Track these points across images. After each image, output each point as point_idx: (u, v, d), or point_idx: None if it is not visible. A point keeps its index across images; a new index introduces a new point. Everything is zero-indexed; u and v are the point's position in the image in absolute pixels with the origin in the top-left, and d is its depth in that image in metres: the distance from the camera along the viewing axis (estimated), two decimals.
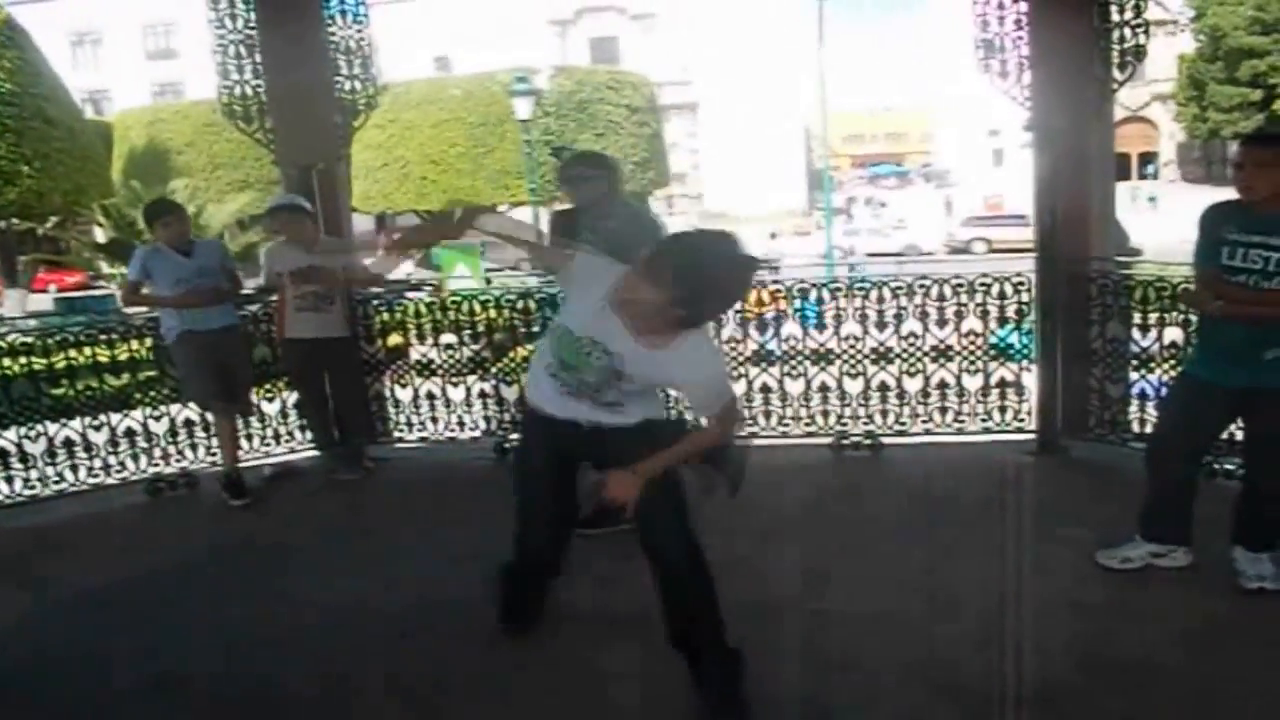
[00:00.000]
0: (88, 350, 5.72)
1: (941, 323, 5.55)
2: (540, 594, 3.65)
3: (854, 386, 5.72)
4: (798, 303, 5.79)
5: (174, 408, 5.82)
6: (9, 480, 5.58)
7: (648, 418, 3.05)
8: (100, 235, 25.48)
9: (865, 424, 5.71)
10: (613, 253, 3.15)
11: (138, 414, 5.81)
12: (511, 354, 6.21)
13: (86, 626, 4.04)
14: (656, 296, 2.63)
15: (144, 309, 5.60)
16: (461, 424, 6.16)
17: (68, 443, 5.63)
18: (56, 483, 5.61)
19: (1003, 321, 5.61)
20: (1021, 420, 5.61)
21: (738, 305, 2.86)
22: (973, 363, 5.61)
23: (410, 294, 6.42)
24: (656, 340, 2.77)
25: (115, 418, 5.74)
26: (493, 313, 6.11)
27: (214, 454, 5.77)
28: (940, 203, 41.77)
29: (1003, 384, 5.64)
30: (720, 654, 3.09)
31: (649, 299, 2.66)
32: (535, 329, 6.07)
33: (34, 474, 5.58)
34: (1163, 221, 25.93)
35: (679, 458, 2.97)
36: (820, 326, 5.78)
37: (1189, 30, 44.48)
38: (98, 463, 5.70)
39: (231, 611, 4.08)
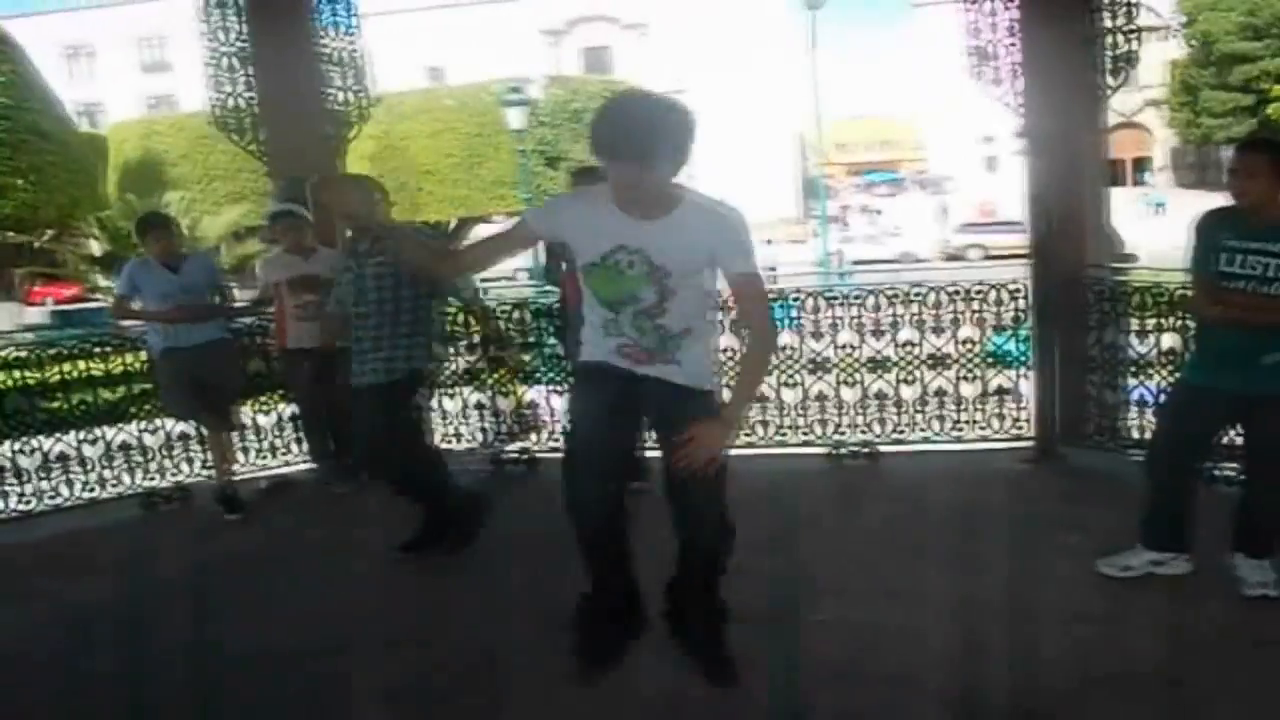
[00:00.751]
0: (82, 364, 5.69)
1: (938, 330, 5.54)
2: (622, 600, 3.38)
3: (850, 395, 5.71)
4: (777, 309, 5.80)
5: (168, 421, 5.79)
6: (3, 495, 5.55)
7: (703, 384, 3.06)
8: (95, 248, 25.40)
9: (862, 433, 5.70)
10: None
11: (132, 427, 5.79)
12: (507, 365, 6.18)
13: (75, 643, 4.01)
14: (631, 177, 2.74)
15: (137, 322, 5.58)
16: (458, 435, 6.14)
17: (62, 457, 5.62)
18: (51, 497, 5.59)
19: (999, 328, 5.60)
20: (1019, 428, 5.60)
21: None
22: (969, 370, 5.60)
23: None
24: (665, 214, 2.84)
25: (109, 431, 5.71)
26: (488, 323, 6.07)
27: (209, 467, 5.74)
28: (936, 209, 41.85)
29: (1000, 391, 5.63)
30: (714, 616, 3.23)
31: (630, 181, 2.76)
32: (531, 339, 6.05)
33: (28, 488, 5.56)
34: (1156, 226, 25.97)
35: (753, 386, 3.15)
36: (797, 327, 5.76)
37: (1180, 36, 44.63)
38: (92, 477, 5.67)
39: (224, 628, 4.05)
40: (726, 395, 3.42)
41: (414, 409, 4.79)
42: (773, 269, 31.68)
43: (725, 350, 5.74)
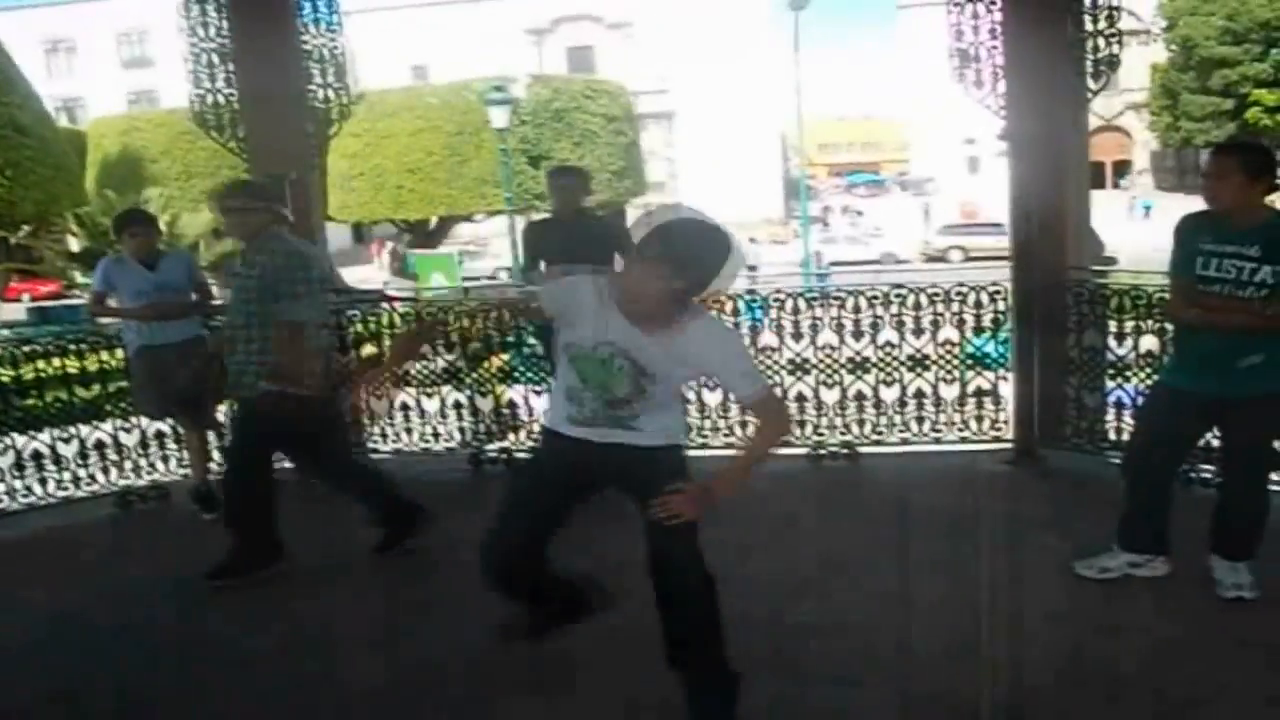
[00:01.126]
0: (58, 361, 5.64)
1: (918, 332, 5.55)
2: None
3: (831, 396, 5.71)
4: (744, 306, 5.82)
5: (145, 419, 5.74)
6: None
7: (669, 440, 3.03)
8: (74, 244, 25.23)
9: (842, 434, 5.71)
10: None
11: (108, 426, 5.74)
12: (486, 364, 6.17)
13: (47, 645, 3.98)
14: (651, 278, 2.71)
15: (115, 320, 5.53)
16: (436, 435, 6.11)
17: (36, 455, 5.55)
18: (25, 496, 5.52)
19: (979, 330, 5.62)
20: (998, 429, 5.62)
21: (728, 280, 2.81)
22: (949, 372, 5.61)
23: (385, 304, 6.38)
24: (666, 327, 2.80)
25: (85, 430, 5.66)
26: (468, 322, 6.05)
27: (186, 466, 5.69)
28: (918, 210, 42.04)
29: (979, 393, 5.64)
30: (719, 678, 3.05)
31: (645, 283, 2.73)
32: (510, 339, 6.04)
33: (1, 487, 5.49)
34: (1143, 229, 26.14)
35: (754, 460, 3.01)
36: (775, 327, 5.77)
37: (1161, 40, 44.97)
38: (67, 475, 5.61)
39: (200, 629, 4.02)
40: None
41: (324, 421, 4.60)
42: (753, 267, 31.82)
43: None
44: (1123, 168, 51.12)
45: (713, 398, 5.82)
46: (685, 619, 3.02)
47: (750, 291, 5.75)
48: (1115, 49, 5.09)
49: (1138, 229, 26.86)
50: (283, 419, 4.26)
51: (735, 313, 5.85)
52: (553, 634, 3.36)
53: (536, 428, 6.08)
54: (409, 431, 6.11)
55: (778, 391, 5.70)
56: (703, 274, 2.77)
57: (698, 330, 2.83)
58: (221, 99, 5.80)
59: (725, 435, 5.80)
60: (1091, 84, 5.16)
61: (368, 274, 30.14)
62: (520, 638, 3.38)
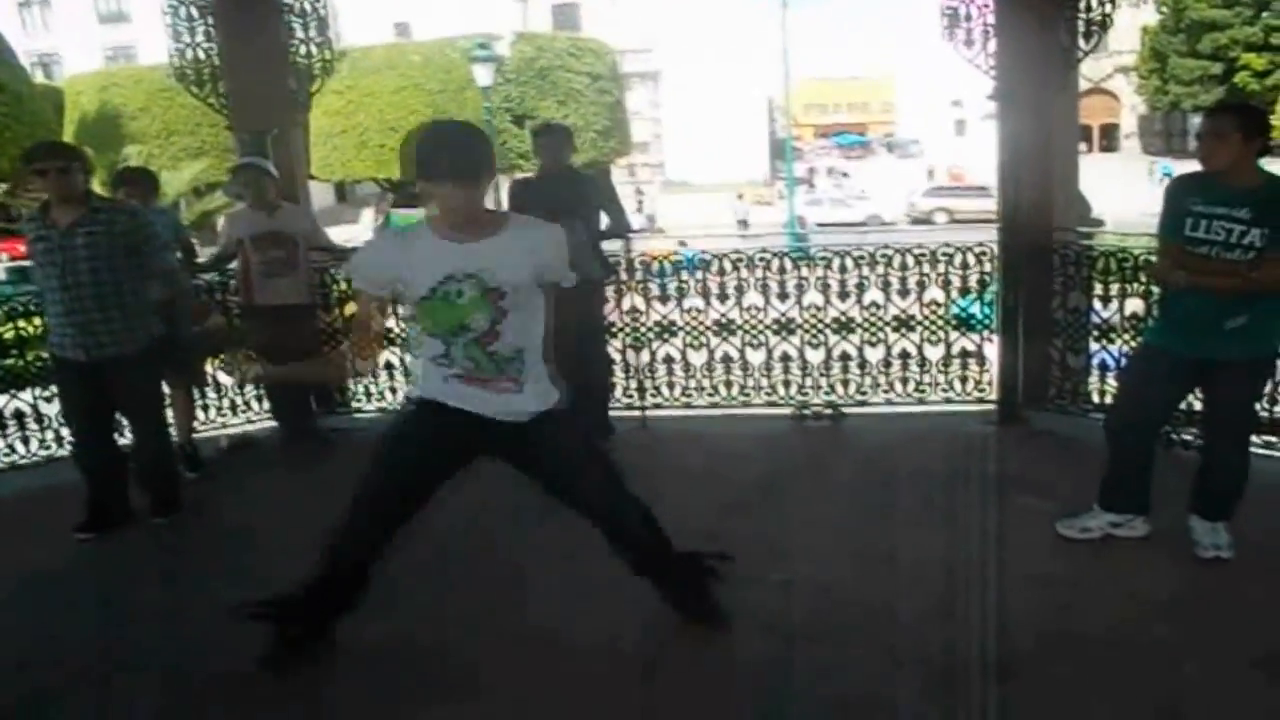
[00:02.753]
0: (38, 320, 5.57)
1: (903, 292, 5.55)
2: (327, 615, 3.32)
3: (815, 356, 5.72)
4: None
5: None
6: None
7: (547, 402, 3.03)
8: None
9: (826, 394, 5.72)
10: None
11: None
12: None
13: (29, 604, 3.97)
14: (458, 195, 2.81)
15: None
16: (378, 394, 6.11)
17: (18, 414, 5.51)
18: (7, 455, 5.49)
19: (965, 291, 5.62)
20: (982, 390, 5.64)
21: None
22: (934, 333, 5.62)
23: None
24: (490, 230, 2.90)
25: None
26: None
27: (169, 425, 5.65)
28: (920, 172, 41.88)
29: (964, 354, 5.66)
30: (680, 568, 3.28)
31: (464, 195, 2.83)
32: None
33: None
34: (1158, 194, 26.19)
35: None
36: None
37: (1151, 2, 44.76)
38: (49, 435, 5.57)
39: (185, 587, 4.02)
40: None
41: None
42: (744, 221, 31.69)
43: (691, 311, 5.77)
44: (1110, 130, 51.08)
45: (697, 357, 5.82)
46: (634, 543, 3.20)
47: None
48: (1107, 8, 5.06)
49: (1158, 193, 26.86)
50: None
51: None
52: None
53: None
54: (394, 390, 6.10)
55: (762, 352, 5.74)
56: (490, 176, 2.91)
57: (520, 227, 2.96)
58: (202, 54, 5.73)
59: (709, 395, 5.81)
60: (1083, 44, 5.14)
61: (355, 234, 29.90)
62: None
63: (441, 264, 2.86)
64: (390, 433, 3.23)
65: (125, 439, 4.82)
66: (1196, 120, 3.90)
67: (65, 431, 5.54)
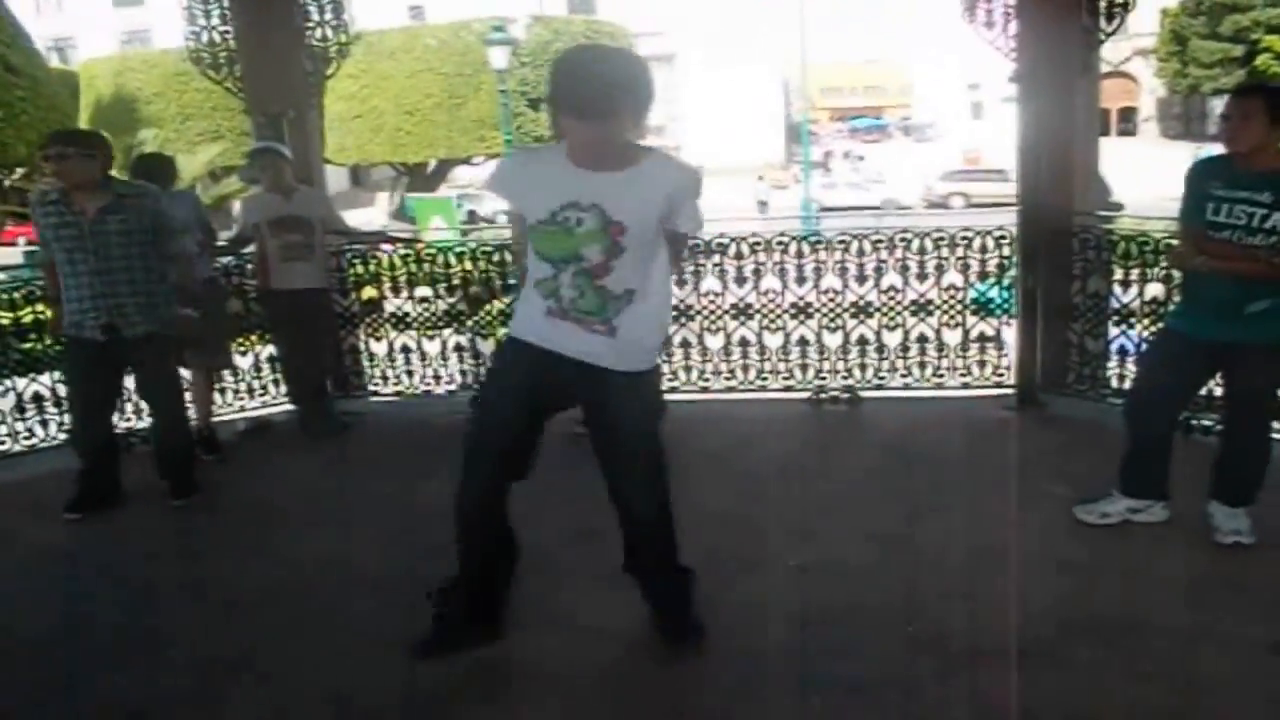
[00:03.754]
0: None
1: (921, 277, 5.52)
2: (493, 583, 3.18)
3: (833, 340, 5.70)
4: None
5: None
6: None
7: (637, 363, 2.91)
8: None
9: (844, 378, 5.70)
10: None
11: None
12: (488, 307, 6.15)
13: (51, 583, 4.00)
14: (598, 126, 2.67)
15: None
16: (437, 378, 6.12)
17: (37, 398, 5.54)
18: (27, 438, 5.52)
19: (983, 276, 5.59)
20: (1000, 375, 5.62)
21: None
22: (952, 317, 5.60)
23: (385, 246, 6.35)
24: (623, 165, 2.77)
25: None
26: (468, 265, 6.03)
27: (188, 408, 5.68)
28: (937, 154, 41.43)
29: (982, 338, 5.64)
30: (675, 575, 3.17)
31: (594, 132, 2.68)
32: (511, 281, 6.01)
33: (3, 430, 5.49)
34: (1140, 178, 25.89)
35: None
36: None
37: None
38: (69, 418, 5.60)
39: (204, 569, 4.05)
40: None
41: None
42: (764, 201, 31.59)
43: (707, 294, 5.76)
44: (1128, 115, 50.61)
45: (714, 341, 5.81)
46: (651, 537, 3.11)
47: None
48: None
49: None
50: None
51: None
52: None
53: None
54: (410, 374, 6.12)
55: (780, 336, 5.73)
56: (640, 111, 2.72)
57: (656, 164, 2.81)
58: (218, 37, 5.73)
59: (726, 379, 5.80)
60: (1105, 25, 5.09)
61: (369, 217, 29.94)
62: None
63: (566, 190, 2.76)
64: (486, 376, 3.22)
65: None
66: (1216, 104, 3.85)
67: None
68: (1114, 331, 5.22)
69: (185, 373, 5.58)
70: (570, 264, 2.79)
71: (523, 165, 2.93)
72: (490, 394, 3.15)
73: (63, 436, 5.57)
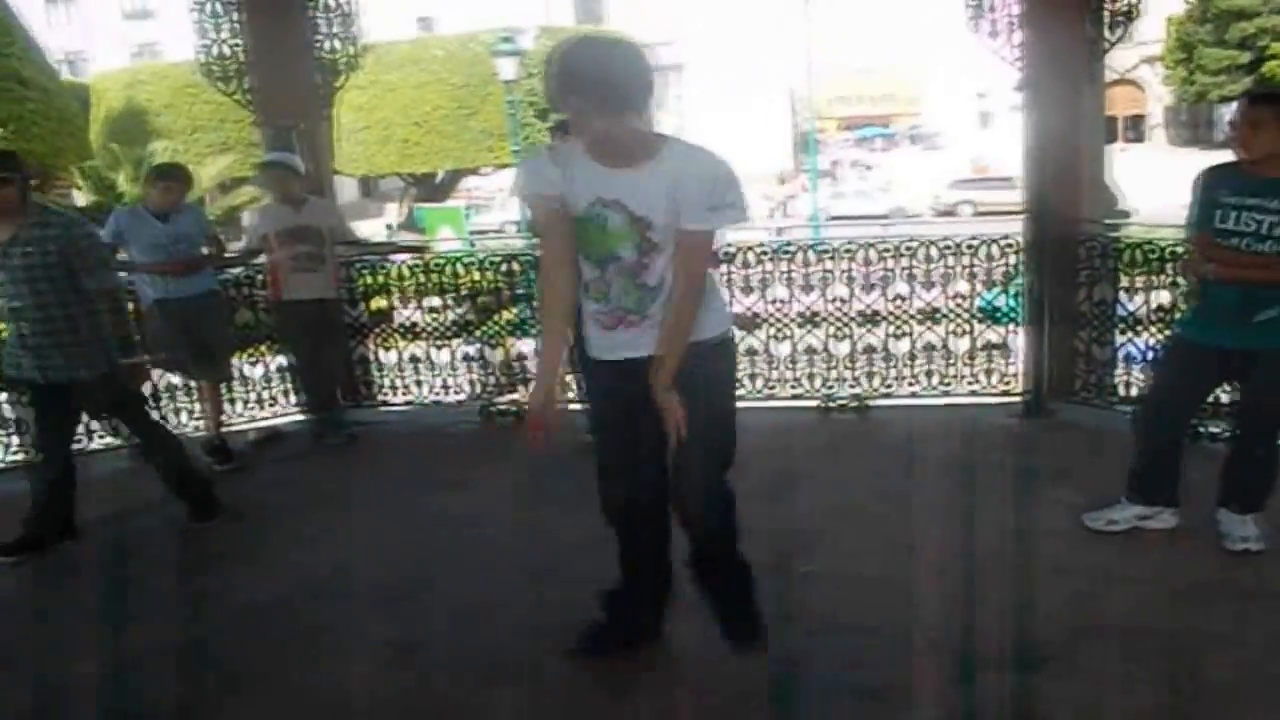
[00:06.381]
0: None
1: (929, 285, 5.53)
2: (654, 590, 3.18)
3: (841, 349, 5.71)
4: None
5: (156, 372, 5.75)
6: None
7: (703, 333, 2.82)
8: (80, 199, 25.15)
9: (852, 386, 5.71)
10: None
11: None
12: (496, 316, 6.18)
13: (62, 591, 4.03)
14: (598, 125, 2.60)
15: (123, 273, 5.51)
16: (446, 387, 6.14)
17: None
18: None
19: (990, 284, 5.60)
20: (1008, 383, 5.62)
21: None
22: (961, 325, 5.60)
23: (395, 256, 6.38)
24: (640, 158, 2.69)
25: None
26: (477, 275, 6.06)
27: (199, 419, 5.72)
28: (946, 163, 41.28)
29: (990, 346, 5.64)
30: (736, 569, 3.10)
31: (596, 129, 2.62)
32: (520, 291, 6.04)
33: (16, 439, 5.52)
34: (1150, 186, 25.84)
35: (679, 333, 2.75)
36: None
37: None
38: (80, 428, 5.62)
39: (213, 579, 4.07)
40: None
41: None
42: (783, 204, 31.60)
43: None
44: (1136, 122, 50.51)
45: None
46: (712, 533, 3.01)
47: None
48: None
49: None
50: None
51: None
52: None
53: None
54: (420, 384, 6.14)
55: (788, 345, 5.73)
56: (642, 97, 2.64)
57: (678, 154, 2.71)
58: (228, 50, 5.76)
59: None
60: (1109, 34, 5.10)
61: (379, 228, 30.02)
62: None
63: (590, 186, 2.71)
64: (590, 397, 3.13)
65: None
66: (1224, 111, 3.86)
67: (95, 425, 5.64)
68: (1121, 339, 5.22)
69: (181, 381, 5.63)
70: (611, 263, 2.76)
71: (551, 160, 2.81)
72: (595, 413, 3.09)
73: (75, 446, 5.59)
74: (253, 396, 6.08)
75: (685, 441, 2.79)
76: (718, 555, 3.07)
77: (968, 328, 5.60)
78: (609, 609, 3.20)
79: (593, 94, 2.57)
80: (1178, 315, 4.75)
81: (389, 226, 29.19)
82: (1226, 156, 3.62)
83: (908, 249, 5.53)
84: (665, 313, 2.78)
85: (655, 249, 2.74)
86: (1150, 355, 5.06)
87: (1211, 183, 3.61)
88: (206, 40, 5.73)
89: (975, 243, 5.48)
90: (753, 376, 5.79)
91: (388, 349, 6.22)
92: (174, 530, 4.59)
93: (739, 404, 3.08)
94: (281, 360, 6.06)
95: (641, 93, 2.62)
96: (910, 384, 5.69)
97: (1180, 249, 4.11)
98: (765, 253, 5.70)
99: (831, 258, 5.62)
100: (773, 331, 5.74)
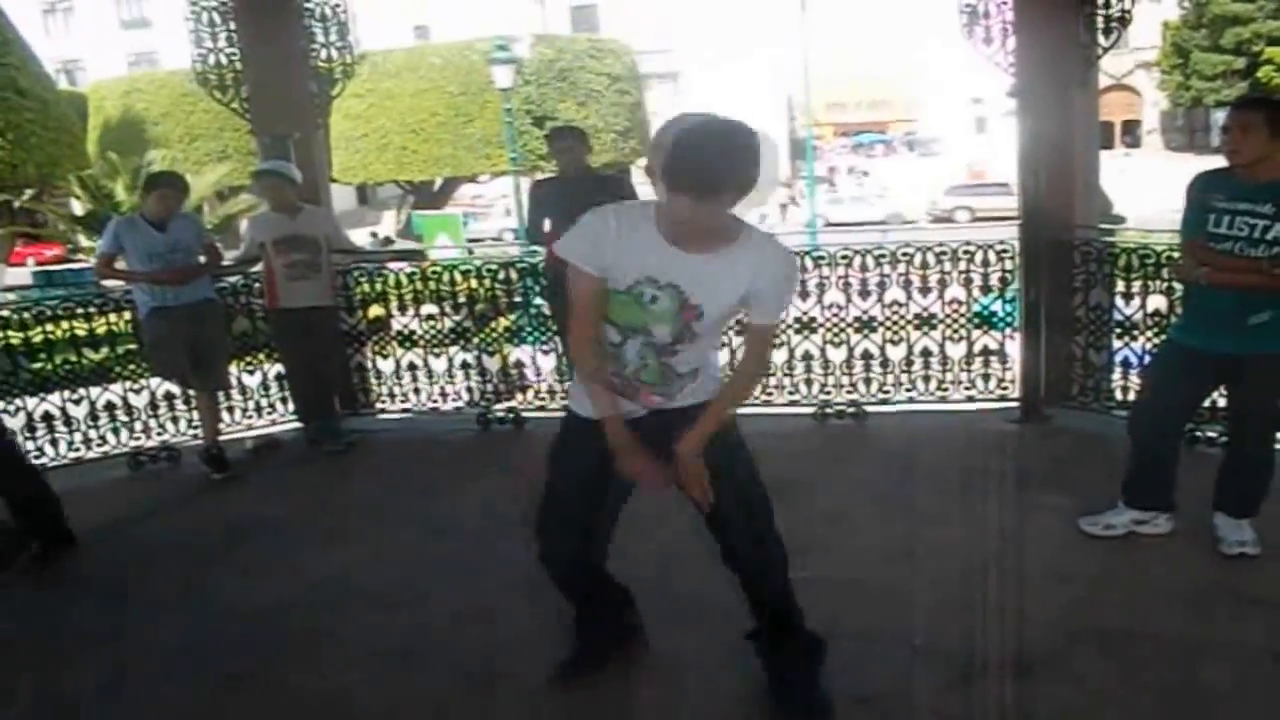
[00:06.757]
0: (65, 324, 5.66)
1: (925, 291, 5.54)
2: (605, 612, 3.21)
3: (837, 355, 5.72)
4: None
5: (154, 381, 5.77)
6: None
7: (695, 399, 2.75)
8: (77, 208, 25.15)
9: (849, 393, 5.72)
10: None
11: (117, 388, 5.77)
12: (494, 324, 6.19)
13: (57, 603, 4.03)
14: (688, 208, 2.42)
15: (121, 282, 5.53)
16: (444, 395, 6.15)
17: (47, 417, 5.59)
18: (36, 457, 5.54)
19: (986, 289, 5.61)
20: (1004, 388, 5.63)
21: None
22: (956, 331, 5.61)
23: (392, 264, 6.39)
24: (715, 245, 2.56)
25: (95, 391, 5.69)
26: (474, 283, 6.07)
27: (195, 427, 5.73)
28: (942, 169, 41.34)
29: (986, 352, 5.65)
30: (807, 639, 3.02)
31: (685, 213, 2.44)
32: (517, 299, 6.06)
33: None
34: (1144, 191, 25.88)
35: (728, 407, 2.74)
36: None
37: None
38: (78, 437, 5.65)
39: (211, 587, 4.07)
40: None
41: None
42: (785, 205, 31.80)
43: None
44: (1132, 127, 50.65)
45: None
46: (767, 586, 2.95)
47: None
48: (1127, 4, 5.03)
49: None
50: None
51: None
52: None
53: (543, 388, 6.13)
54: (417, 391, 6.15)
55: (784, 351, 5.74)
56: (739, 184, 2.43)
57: (756, 239, 2.61)
58: (224, 59, 5.78)
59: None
60: (1102, 40, 5.11)
61: (364, 237, 30.08)
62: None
63: (645, 263, 2.56)
64: (552, 449, 2.96)
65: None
66: (1219, 116, 3.88)
67: (93, 434, 5.66)
68: (1117, 344, 5.23)
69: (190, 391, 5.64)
70: (639, 334, 2.66)
71: (615, 232, 2.58)
72: (555, 474, 2.95)
73: (72, 455, 5.63)
74: (250, 405, 6.08)
75: (726, 505, 2.78)
76: (786, 615, 2.98)
77: (964, 333, 5.61)
78: (575, 636, 3.23)
79: (689, 183, 2.39)
80: (1173, 320, 4.76)
81: (373, 235, 29.17)
82: (1222, 162, 3.63)
83: (904, 255, 5.54)
84: (693, 395, 2.73)
85: (693, 338, 2.65)
86: (1145, 360, 5.07)
87: (1204, 188, 3.62)
88: (203, 49, 5.75)
89: (971, 248, 5.49)
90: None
91: (385, 356, 6.24)
92: (172, 537, 4.59)
93: (737, 410, 3.06)
94: (278, 368, 6.07)
95: (739, 187, 2.44)
96: (907, 390, 5.70)
97: (1176, 254, 4.10)
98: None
99: (828, 264, 5.63)
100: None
